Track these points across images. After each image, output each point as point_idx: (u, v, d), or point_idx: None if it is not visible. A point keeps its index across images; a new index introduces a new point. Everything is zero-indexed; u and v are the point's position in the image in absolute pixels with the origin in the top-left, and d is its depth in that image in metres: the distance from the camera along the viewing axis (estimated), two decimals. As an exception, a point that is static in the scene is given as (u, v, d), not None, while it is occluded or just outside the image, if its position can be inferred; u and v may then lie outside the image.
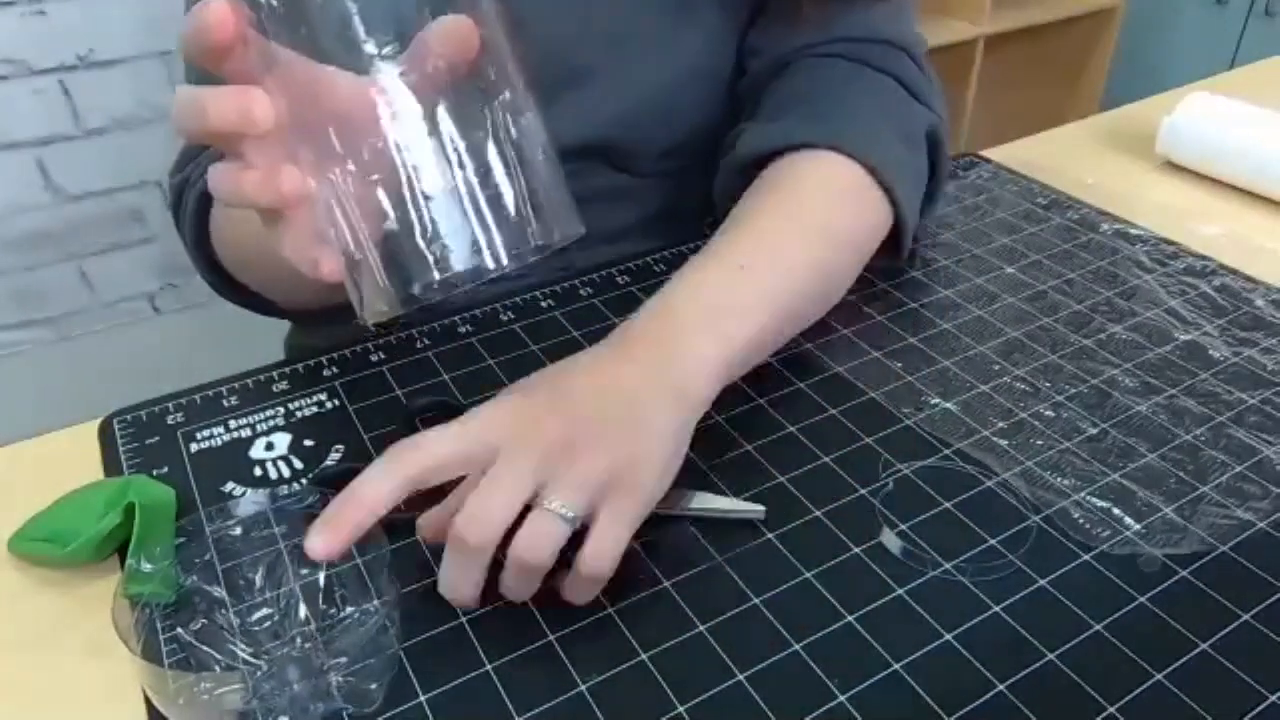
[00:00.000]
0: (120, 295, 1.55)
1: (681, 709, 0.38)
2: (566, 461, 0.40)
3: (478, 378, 0.55)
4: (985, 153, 0.79)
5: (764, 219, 0.54)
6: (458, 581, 0.40)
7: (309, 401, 0.54)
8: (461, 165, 0.35)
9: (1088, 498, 0.47)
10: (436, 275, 0.35)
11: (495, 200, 0.35)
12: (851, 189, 0.57)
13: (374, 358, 0.57)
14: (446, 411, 0.52)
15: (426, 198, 0.35)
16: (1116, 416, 0.52)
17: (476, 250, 0.35)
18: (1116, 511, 0.46)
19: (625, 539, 0.40)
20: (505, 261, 0.35)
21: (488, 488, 0.39)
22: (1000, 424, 0.51)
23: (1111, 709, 0.37)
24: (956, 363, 0.56)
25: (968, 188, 0.74)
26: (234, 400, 0.54)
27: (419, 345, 0.58)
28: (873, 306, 0.60)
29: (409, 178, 0.35)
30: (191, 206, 0.59)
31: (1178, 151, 0.76)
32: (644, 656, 0.40)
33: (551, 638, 0.41)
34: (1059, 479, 0.48)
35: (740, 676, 0.39)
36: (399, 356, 0.57)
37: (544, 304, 0.61)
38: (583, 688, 0.39)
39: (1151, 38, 2.23)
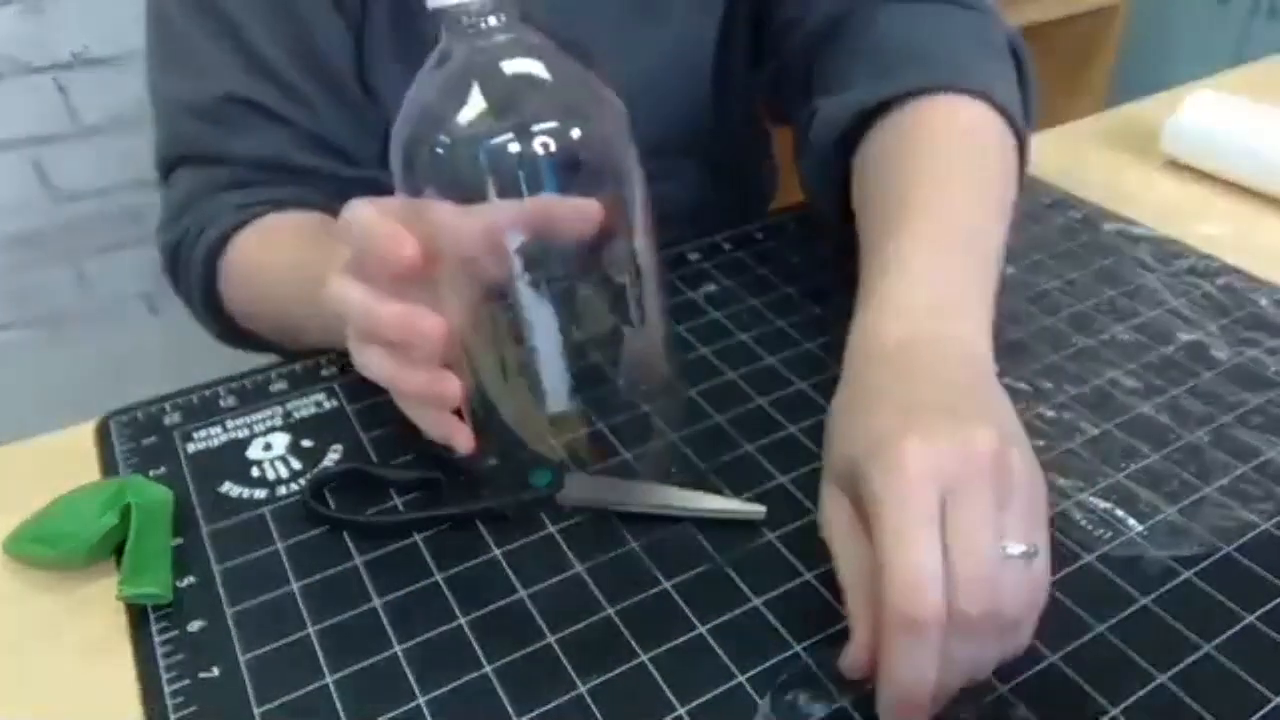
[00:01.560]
0: (117, 295, 1.55)
1: (681, 710, 0.38)
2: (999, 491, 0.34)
3: (477, 377, 0.55)
4: (986, 151, 0.79)
5: (924, 187, 0.49)
6: (918, 674, 0.33)
7: (307, 402, 0.53)
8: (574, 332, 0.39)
9: (1090, 499, 0.46)
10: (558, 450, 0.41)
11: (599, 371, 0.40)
12: (977, 126, 0.54)
13: (372, 357, 0.56)
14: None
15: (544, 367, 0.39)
16: (1118, 417, 0.51)
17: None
18: (1119, 513, 0.46)
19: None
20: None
21: (918, 544, 0.32)
22: (1002, 424, 0.51)
23: (1115, 711, 0.37)
24: (958, 362, 0.55)
25: (969, 187, 0.73)
26: (231, 400, 0.54)
27: (418, 344, 0.57)
28: (874, 306, 0.60)
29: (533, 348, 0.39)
30: (199, 269, 0.60)
31: (1182, 150, 0.76)
32: (644, 657, 0.40)
33: (551, 638, 0.40)
34: (1061, 480, 0.47)
35: (741, 679, 0.39)
36: (398, 356, 0.56)
37: (543, 303, 0.61)
38: (582, 688, 0.38)
39: (1155, 36, 2.23)
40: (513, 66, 0.38)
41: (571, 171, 0.37)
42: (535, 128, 0.36)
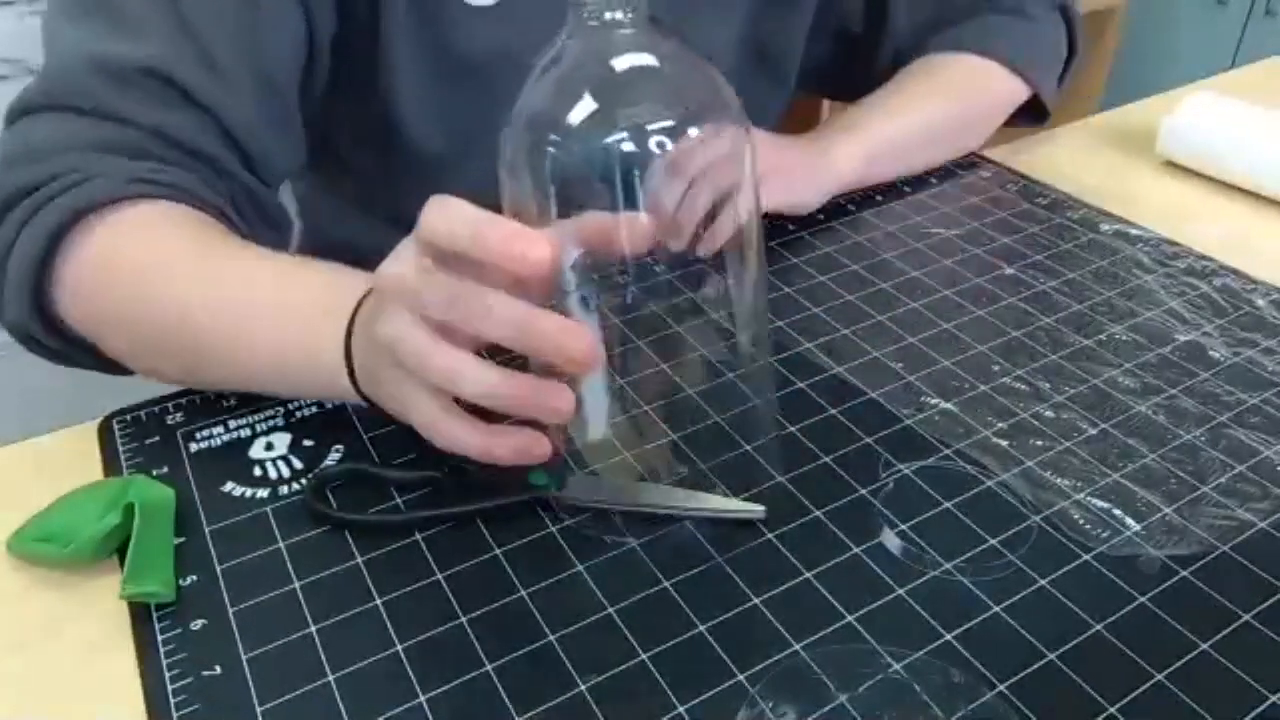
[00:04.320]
0: (119, 295, 1.55)
1: (681, 709, 0.38)
2: None
3: (477, 377, 0.55)
4: (986, 152, 0.79)
5: (893, 89, 0.75)
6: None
7: (308, 401, 0.54)
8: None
9: (1088, 498, 0.47)
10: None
11: None
12: (978, 75, 0.76)
13: (374, 357, 0.57)
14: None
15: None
16: (1116, 417, 0.51)
17: None
18: (1116, 512, 0.46)
19: None
20: None
21: None
22: (1000, 424, 0.51)
23: (1112, 709, 0.37)
24: (956, 363, 0.56)
25: (968, 188, 0.74)
26: (233, 400, 0.54)
27: (419, 345, 0.58)
28: (873, 306, 0.60)
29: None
30: (54, 220, 0.48)
31: (1178, 151, 0.76)
32: (644, 656, 0.40)
33: (551, 638, 0.41)
34: (1059, 479, 0.48)
35: (740, 677, 0.39)
36: (399, 356, 0.57)
37: (544, 304, 0.61)
38: (583, 688, 0.39)
39: (1152, 37, 2.23)
40: (636, 60, 0.36)
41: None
42: (652, 126, 0.35)
